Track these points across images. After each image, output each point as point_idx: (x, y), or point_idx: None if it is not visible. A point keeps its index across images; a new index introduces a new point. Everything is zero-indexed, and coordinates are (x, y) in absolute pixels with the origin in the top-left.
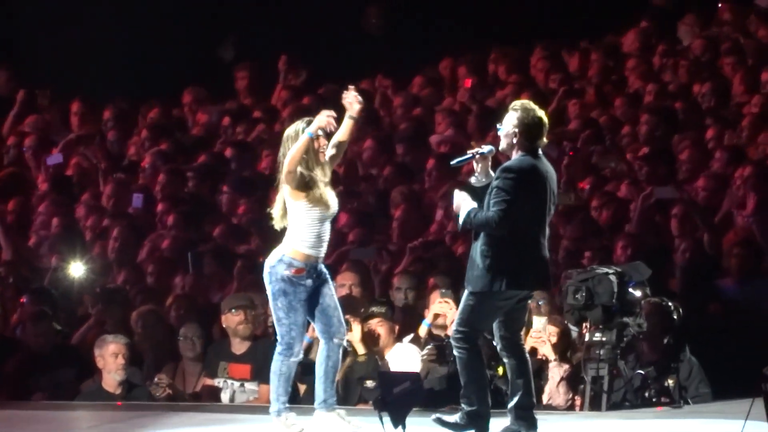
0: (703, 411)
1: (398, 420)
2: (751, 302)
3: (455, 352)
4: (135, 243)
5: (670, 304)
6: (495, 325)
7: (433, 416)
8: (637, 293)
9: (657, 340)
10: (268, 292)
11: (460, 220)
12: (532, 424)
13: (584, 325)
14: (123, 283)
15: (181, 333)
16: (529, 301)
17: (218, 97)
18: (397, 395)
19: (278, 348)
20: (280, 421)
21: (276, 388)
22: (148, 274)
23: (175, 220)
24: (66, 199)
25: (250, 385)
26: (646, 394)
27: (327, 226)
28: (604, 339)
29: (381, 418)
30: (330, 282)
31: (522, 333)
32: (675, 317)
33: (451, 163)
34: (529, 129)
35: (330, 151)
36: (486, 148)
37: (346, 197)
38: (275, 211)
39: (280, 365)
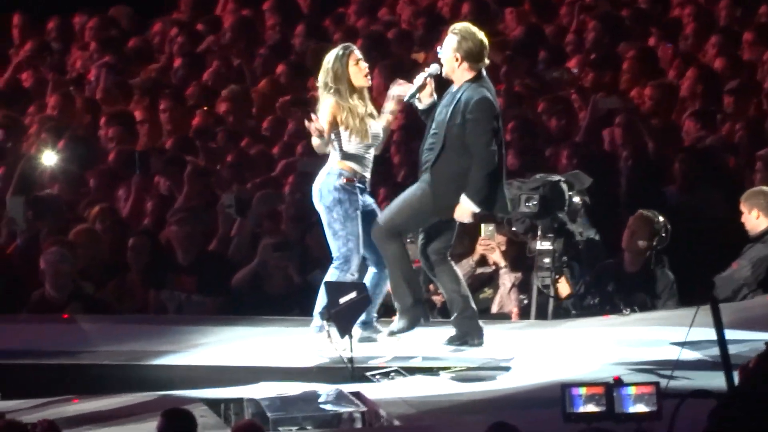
0: (648, 319)
1: (345, 329)
2: (696, 210)
3: (381, 251)
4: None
5: (660, 219)
6: (422, 243)
7: (386, 332)
8: (578, 201)
9: (640, 253)
10: (322, 209)
11: (476, 206)
12: (478, 332)
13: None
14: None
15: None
16: None
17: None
18: (343, 305)
19: (334, 263)
20: (321, 337)
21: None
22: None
23: (116, 133)
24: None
25: (196, 297)
26: (591, 302)
27: (370, 152)
28: (552, 247)
29: (328, 330)
30: (378, 209)
31: (450, 250)
32: (663, 234)
33: (405, 99)
34: (470, 53)
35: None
36: (433, 69)
37: None
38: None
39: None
